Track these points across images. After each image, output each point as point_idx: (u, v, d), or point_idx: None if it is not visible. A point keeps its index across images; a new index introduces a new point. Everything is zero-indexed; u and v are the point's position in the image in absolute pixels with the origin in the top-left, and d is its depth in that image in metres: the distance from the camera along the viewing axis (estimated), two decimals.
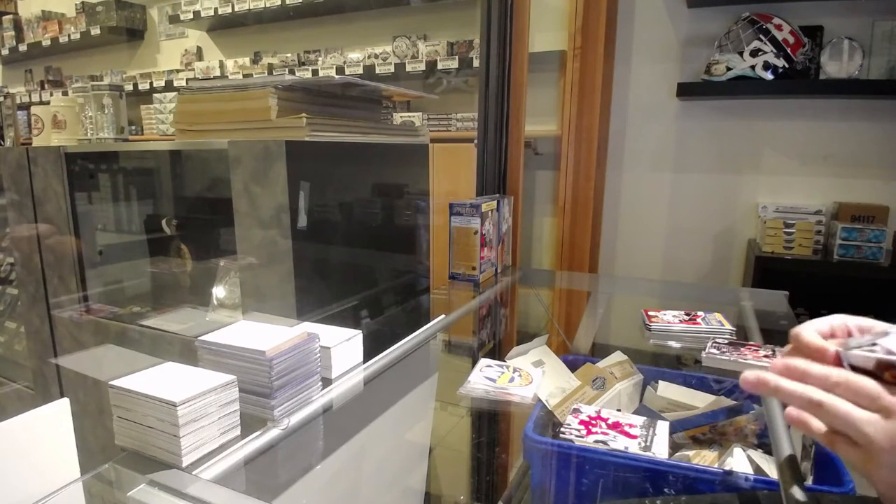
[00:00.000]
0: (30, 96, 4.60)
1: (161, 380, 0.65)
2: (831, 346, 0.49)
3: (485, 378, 0.99)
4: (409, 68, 2.95)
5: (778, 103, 2.28)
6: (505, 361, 1.06)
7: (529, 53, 1.68)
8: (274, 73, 3.42)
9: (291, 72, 3.35)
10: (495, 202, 1.55)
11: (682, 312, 1.28)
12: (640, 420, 0.83)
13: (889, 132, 2.14)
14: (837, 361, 0.48)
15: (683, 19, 2.39)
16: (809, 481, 0.73)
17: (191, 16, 3.51)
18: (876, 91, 2.10)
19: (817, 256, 2.09)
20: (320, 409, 0.77)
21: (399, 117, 2.93)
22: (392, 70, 2.99)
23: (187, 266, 1.65)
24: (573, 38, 2.30)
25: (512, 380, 0.98)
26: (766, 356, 1.01)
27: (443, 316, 1.21)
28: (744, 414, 0.88)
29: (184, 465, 0.61)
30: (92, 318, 1.57)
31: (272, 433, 0.70)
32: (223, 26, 3.69)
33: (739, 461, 0.79)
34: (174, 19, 3.61)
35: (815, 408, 0.47)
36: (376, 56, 3.10)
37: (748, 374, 0.50)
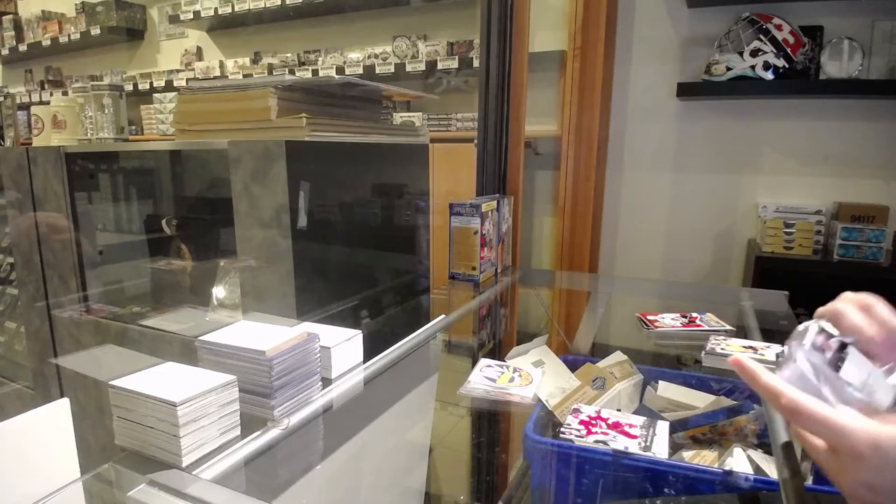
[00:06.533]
0: (30, 96, 4.60)
1: (161, 380, 0.65)
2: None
3: (485, 378, 0.99)
4: (409, 68, 2.95)
5: (778, 103, 2.28)
6: (505, 361, 1.06)
7: (529, 53, 1.68)
8: (274, 73, 3.42)
9: (291, 72, 3.35)
10: (495, 202, 1.55)
11: (679, 314, 1.28)
12: (640, 420, 0.83)
13: (889, 132, 2.14)
14: None
15: (683, 19, 2.39)
16: (809, 481, 0.73)
17: (191, 16, 3.51)
18: (876, 91, 2.10)
19: (817, 256, 2.09)
20: (320, 409, 0.77)
21: (399, 117, 2.93)
22: (392, 70, 2.99)
23: (187, 266, 1.65)
24: (573, 38, 2.30)
25: (512, 380, 0.98)
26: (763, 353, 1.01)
27: (443, 316, 1.21)
28: (744, 414, 0.88)
29: (184, 465, 0.61)
30: (92, 318, 1.57)
31: (272, 433, 0.70)
32: (223, 26, 3.69)
33: (739, 461, 0.79)
34: (174, 19, 3.61)
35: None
36: (376, 56, 3.10)
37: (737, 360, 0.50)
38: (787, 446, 0.62)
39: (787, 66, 2.08)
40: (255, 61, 3.58)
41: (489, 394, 0.95)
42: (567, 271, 2.36)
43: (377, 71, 3.03)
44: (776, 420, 0.72)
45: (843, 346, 0.47)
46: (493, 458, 1.11)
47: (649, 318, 1.27)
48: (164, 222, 1.71)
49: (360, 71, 3.07)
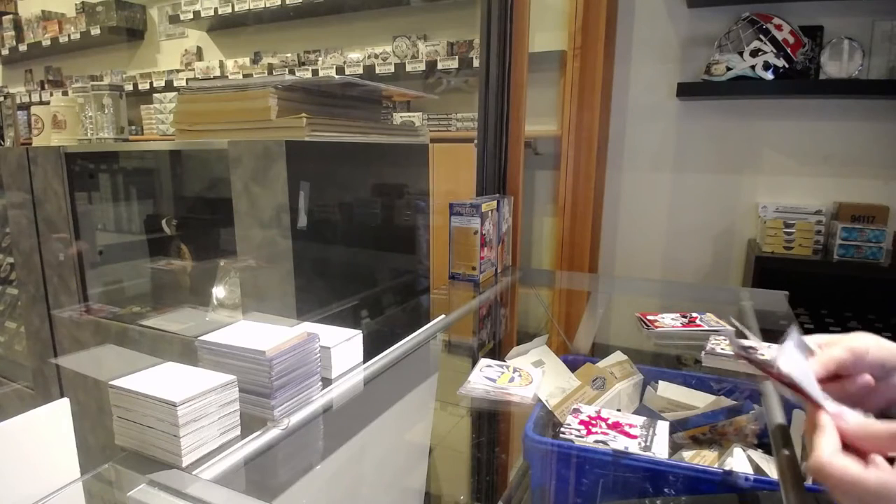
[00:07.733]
0: (30, 96, 4.60)
1: (161, 380, 0.65)
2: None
3: (485, 378, 0.99)
4: (409, 68, 2.95)
5: (778, 103, 2.28)
6: (505, 361, 1.06)
7: (529, 53, 1.68)
8: (274, 73, 3.42)
9: (291, 72, 3.35)
10: (495, 202, 1.55)
11: (679, 314, 1.28)
12: (640, 420, 0.83)
13: (889, 132, 2.14)
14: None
15: (683, 19, 2.39)
16: (809, 481, 0.73)
17: (191, 16, 3.51)
18: (876, 91, 2.10)
19: (817, 256, 2.09)
20: (320, 409, 0.77)
21: (399, 117, 2.93)
22: (392, 70, 2.99)
23: (187, 266, 1.66)
24: (573, 38, 2.30)
25: (512, 380, 0.98)
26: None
27: (443, 316, 1.21)
28: (744, 414, 0.88)
29: (184, 465, 0.61)
30: (92, 318, 1.57)
31: (272, 433, 0.70)
32: (223, 26, 3.69)
33: (739, 461, 0.79)
34: (174, 19, 3.61)
35: None
36: (376, 56, 3.10)
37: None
38: (787, 444, 0.62)
39: (787, 66, 2.08)
40: (255, 61, 3.58)
41: (489, 394, 0.95)
42: (567, 271, 2.36)
43: (377, 71, 3.03)
44: (776, 420, 0.72)
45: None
46: (493, 458, 1.11)
47: (649, 318, 1.27)
48: (164, 222, 1.71)
49: (360, 71, 3.07)
